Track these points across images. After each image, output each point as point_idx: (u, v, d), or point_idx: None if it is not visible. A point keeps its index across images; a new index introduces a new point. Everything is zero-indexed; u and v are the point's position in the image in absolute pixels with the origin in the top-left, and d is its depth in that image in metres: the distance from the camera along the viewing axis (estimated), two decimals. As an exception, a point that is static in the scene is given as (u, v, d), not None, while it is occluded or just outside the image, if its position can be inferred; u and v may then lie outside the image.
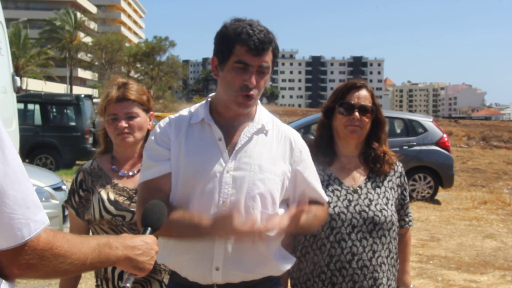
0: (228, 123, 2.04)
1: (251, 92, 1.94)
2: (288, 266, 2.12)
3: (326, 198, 2.21)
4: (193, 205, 1.94)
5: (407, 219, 2.63)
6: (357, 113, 2.45)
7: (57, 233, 1.31)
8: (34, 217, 1.24)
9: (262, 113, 2.10)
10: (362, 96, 2.49)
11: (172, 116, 2.11)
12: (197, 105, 2.13)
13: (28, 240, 1.22)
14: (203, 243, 1.94)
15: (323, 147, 2.54)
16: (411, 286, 2.65)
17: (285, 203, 2.10)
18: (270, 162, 2.01)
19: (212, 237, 1.91)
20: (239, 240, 1.90)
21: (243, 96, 1.94)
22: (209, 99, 2.11)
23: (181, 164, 1.98)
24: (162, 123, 2.08)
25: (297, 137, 2.13)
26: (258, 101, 2.13)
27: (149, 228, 1.74)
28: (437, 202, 11.42)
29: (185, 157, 1.98)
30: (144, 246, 1.61)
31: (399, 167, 2.60)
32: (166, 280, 2.42)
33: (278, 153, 2.05)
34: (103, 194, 2.46)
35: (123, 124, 2.45)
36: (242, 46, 1.90)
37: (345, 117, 2.47)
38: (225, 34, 1.95)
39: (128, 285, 1.66)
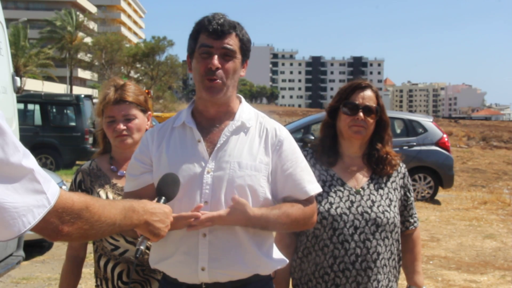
0: (209, 123, 2.06)
1: (215, 76, 1.96)
2: (277, 266, 2.09)
3: (312, 193, 2.06)
4: (176, 207, 1.93)
5: (411, 220, 2.60)
6: (361, 114, 2.43)
7: (88, 196, 1.47)
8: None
9: (244, 111, 2.09)
10: (367, 96, 2.47)
11: (159, 124, 2.14)
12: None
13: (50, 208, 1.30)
14: (187, 245, 1.96)
15: (327, 147, 2.52)
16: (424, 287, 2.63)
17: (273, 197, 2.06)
18: (251, 158, 2.00)
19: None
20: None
21: (208, 80, 1.97)
22: (194, 100, 2.13)
23: (163, 169, 1.98)
24: (147, 134, 2.13)
25: (279, 130, 2.08)
26: (242, 99, 2.13)
27: (163, 198, 1.87)
28: (437, 202, 11.41)
29: (167, 162, 2.00)
30: (162, 214, 1.76)
31: (402, 168, 2.58)
32: (165, 280, 2.42)
33: (260, 148, 2.03)
34: (102, 194, 2.46)
35: (121, 126, 2.45)
36: (204, 33, 1.99)
37: (349, 117, 2.45)
38: (192, 29, 2.04)
39: (142, 247, 1.79)
